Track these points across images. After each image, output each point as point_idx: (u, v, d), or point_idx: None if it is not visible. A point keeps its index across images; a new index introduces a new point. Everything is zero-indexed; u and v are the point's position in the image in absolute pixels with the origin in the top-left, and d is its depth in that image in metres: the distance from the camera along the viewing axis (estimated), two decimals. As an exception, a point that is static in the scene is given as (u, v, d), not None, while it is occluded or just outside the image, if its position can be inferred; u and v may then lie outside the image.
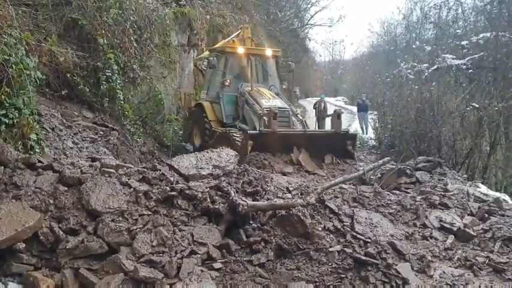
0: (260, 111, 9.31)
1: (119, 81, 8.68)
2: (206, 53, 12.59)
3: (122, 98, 8.88)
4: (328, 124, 12.38)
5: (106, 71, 8.40)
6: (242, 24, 13.85)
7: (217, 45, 12.39)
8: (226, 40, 12.41)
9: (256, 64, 11.06)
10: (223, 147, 8.97)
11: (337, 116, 9.44)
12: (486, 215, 4.93)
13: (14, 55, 5.25)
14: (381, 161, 6.75)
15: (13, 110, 5.21)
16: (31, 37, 6.38)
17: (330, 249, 3.95)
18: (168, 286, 3.37)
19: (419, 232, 4.54)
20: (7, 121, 5.14)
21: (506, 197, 6.11)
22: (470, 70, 13.83)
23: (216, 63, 10.49)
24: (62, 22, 8.12)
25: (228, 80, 10.45)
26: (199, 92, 12.79)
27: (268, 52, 11.23)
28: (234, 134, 9.35)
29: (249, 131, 8.71)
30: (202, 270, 3.57)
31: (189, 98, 12.36)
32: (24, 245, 3.55)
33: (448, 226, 4.65)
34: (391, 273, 3.67)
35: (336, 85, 51.85)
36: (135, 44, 9.58)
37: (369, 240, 4.13)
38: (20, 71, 5.31)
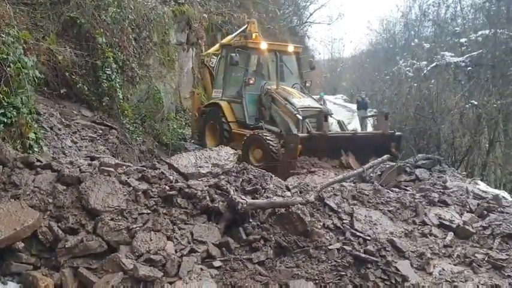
0: (295, 112, 8.86)
1: (118, 80, 8.66)
2: (213, 48, 12.02)
3: (121, 97, 8.85)
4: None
5: (106, 69, 8.37)
6: (249, 18, 13.09)
7: (225, 41, 11.76)
8: (233, 35, 11.87)
9: (275, 60, 10.47)
10: (254, 150, 8.64)
11: (384, 116, 8.99)
12: (485, 212, 4.94)
13: (12, 54, 5.24)
14: (380, 159, 6.74)
15: (11, 109, 5.20)
16: (29, 36, 6.37)
17: (330, 247, 3.96)
18: (168, 284, 3.38)
19: (418, 229, 4.55)
20: (5, 120, 5.14)
21: (506, 194, 6.12)
22: (469, 67, 13.83)
23: (239, 59, 9.76)
24: (60, 21, 8.10)
25: (254, 78, 9.82)
26: (199, 90, 12.51)
27: (290, 48, 10.69)
28: (268, 137, 8.65)
29: (299, 134, 8.10)
30: (202, 269, 3.57)
31: (198, 97, 11.84)
32: (23, 244, 3.54)
33: (447, 223, 4.66)
34: (391, 271, 3.68)
35: (335, 83, 51.78)
36: (133, 43, 9.57)
37: (369, 238, 4.14)
38: (18, 70, 5.31)
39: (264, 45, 10.15)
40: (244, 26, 12.06)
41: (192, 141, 11.72)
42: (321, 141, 8.03)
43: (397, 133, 9.30)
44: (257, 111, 9.88)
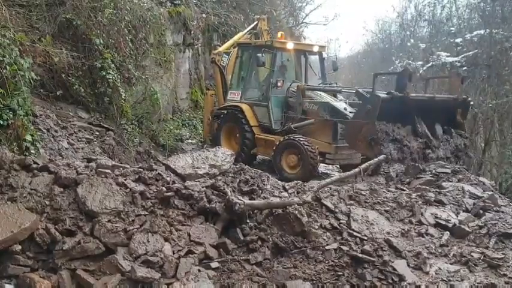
0: (338, 88, 8.60)
1: (118, 81, 8.64)
2: (225, 46, 11.55)
3: (123, 97, 8.82)
4: None
5: (107, 70, 8.32)
6: (259, 15, 12.64)
7: (236, 38, 11.40)
8: (244, 32, 11.59)
9: (300, 61, 10.17)
10: (287, 156, 8.31)
11: (461, 80, 8.23)
12: (481, 211, 4.97)
13: (8, 56, 5.24)
14: (376, 159, 6.75)
15: (8, 111, 5.20)
16: (25, 38, 6.37)
17: (327, 247, 3.97)
18: (166, 286, 3.38)
19: (415, 229, 4.57)
20: (2, 122, 5.14)
21: None
22: (465, 67, 13.88)
23: (265, 60, 9.24)
24: (56, 22, 8.09)
25: (282, 80, 9.32)
26: (196, 91, 12.26)
27: (316, 48, 10.28)
28: (304, 141, 8.21)
29: (380, 95, 7.08)
30: (199, 270, 3.58)
31: (212, 99, 11.37)
32: (20, 246, 3.52)
33: (444, 223, 4.68)
34: (388, 270, 3.70)
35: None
36: (130, 44, 9.54)
37: (365, 238, 4.16)
38: (14, 72, 5.30)
39: (290, 45, 9.71)
40: (255, 23, 11.70)
41: (205, 145, 11.19)
42: (401, 105, 7.07)
43: (468, 99, 8.18)
44: (283, 115, 9.40)
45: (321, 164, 9.92)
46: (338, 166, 9.77)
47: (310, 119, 8.82)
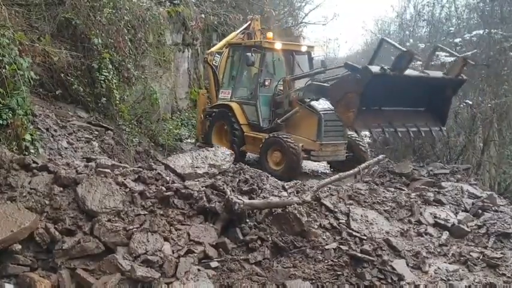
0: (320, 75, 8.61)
1: (114, 81, 8.64)
2: (217, 46, 11.68)
3: (118, 98, 8.82)
4: None
5: (103, 71, 8.33)
6: (252, 15, 12.54)
7: (229, 38, 11.53)
8: (237, 33, 11.68)
9: (289, 61, 10.30)
10: (272, 153, 8.48)
11: (463, 63, 7.70)
12: (480, 211, 4.99)
13: (7, 55, 5.23)
14: (375, 159, 6.77)
15: (7, 110, 5.19)
16: (24, 37, 6.35)
17: (326, 247, 3.98)
18: (165, 285, 3.38)
19: (414, 229, 4.59)
20: (1, 122, 5.13)
21: None
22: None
23: (255, 59, 9.42)
24: (55, 22, 8.08)
25: (269, 80, 9.59)
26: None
27: (304, 47, 10.47)
28: (287, 138, 8.40)
29: (372, 69, 6.67)
30: (199, 269, 3.58)
31: (204, 98, 11.53)
32: (20, 246, 3.53)
33: (443, 222, 4.70)
34: (387, 270, 3.71)
35: (330, 83, 51.64)
36: (129, 44, 9.53)
37: (365, 238, 4.17)
38: (14, 72, 5.29)
39: (278, 45, 9.86)
40: (247, 23, 11.79)
41: (198, 144, 11.28)
42: (390, 82, 6.79)
43: (464, 78, 7.86)
44: (271, 113, 9.55)
45: (321, 164, 10.03)
46: (327, 163, 9.88)
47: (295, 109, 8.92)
